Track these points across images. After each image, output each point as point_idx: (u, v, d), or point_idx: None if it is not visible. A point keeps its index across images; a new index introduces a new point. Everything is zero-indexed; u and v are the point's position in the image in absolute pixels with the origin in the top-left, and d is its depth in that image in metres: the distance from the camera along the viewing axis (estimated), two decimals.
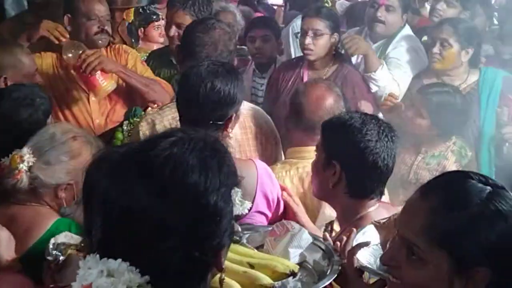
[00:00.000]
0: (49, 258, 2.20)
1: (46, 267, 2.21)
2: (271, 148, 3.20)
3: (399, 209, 1.87)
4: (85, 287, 1.19)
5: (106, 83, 3.52)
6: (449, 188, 1.49)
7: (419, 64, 4.27)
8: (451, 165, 3.75)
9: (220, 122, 2.49)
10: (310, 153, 2.68)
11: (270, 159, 3.07)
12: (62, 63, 3.67)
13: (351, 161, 2.28)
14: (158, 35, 5.18)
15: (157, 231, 1.18)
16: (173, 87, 3.71)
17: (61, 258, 2.21)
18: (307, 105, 2.94)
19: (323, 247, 2.11)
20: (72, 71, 3.66)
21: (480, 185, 1.46)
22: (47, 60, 3.71)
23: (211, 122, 2.45)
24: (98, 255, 1.21)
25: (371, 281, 1.87)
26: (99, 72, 3.49)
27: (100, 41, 3.69)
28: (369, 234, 2.00)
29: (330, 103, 2.94)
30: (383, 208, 2.34)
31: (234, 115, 2.54)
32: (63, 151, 2.47)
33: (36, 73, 3.39)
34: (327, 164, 2.32)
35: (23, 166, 2.41)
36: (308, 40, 3.97)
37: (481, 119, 3.98)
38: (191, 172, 1.20)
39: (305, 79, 4.04)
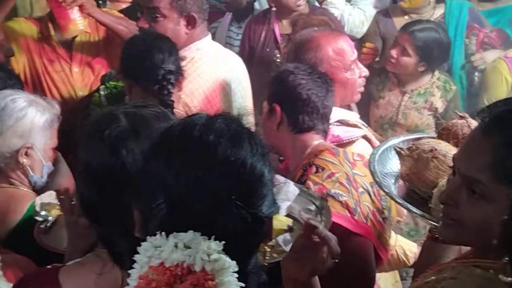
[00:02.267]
0: (38, 218, 2.19)
1: (37, 227, 2.20)
2: None
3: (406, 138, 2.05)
4: (155, 268, 1.18)
5: (81, 20, 3.45)
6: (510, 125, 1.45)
7: None
8: (438, 101, 3.84)
9: None
10: None
11: None
12: (44, 34, 3.58)
13: (288, 99, 2.48)
14: None
15: (219, 198, 1.23)
16: None
17: (50, 218, 2.20)
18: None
19: (310, 198, 2.12)
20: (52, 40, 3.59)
21: None
22: (30, 27, 3.60)
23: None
24: (163, 233, 1.21)
25: None
26: (77, 8, 3.42)
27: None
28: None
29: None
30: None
31: None
32: (6, 115, 2.43)
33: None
34: (270, 110, 2.51)
35: None
36: None
37: (450, 50, 4.05)
38: (238, 144, 1.26)
39: (277, 30, 4.03)
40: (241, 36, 4.33)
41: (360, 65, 2.96)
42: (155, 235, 1.22)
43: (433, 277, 1.49)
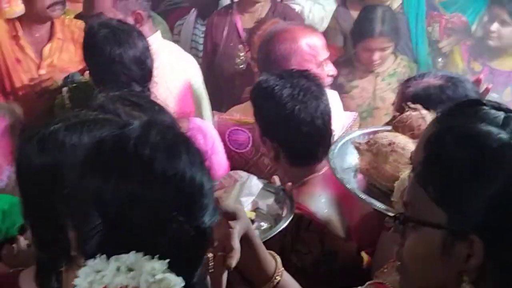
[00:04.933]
0: None
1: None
2: None
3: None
4: None
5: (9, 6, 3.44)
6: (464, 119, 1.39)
7: None
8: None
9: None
10: None
11: None
12: (12, 33, 3.56)
13: (279, 134, 2.25)
14: None
15: (159, 215, 1.18)
16: None
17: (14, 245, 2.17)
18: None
19: (273, 190, 2.12)
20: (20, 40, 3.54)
21: (493, 111, 1.35)
22: (1, 25, 3.58)
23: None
24: (104, 255, 1.16)
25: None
26: None
27: (54, 12, 3.55)
28: None
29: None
30: None
31: None
32: None
33: None
34: (262, 141, 2.33)
35: None
36: None
37: (413, 40, 4.13)
38: (176, 155, 1.21)
39: (239, 24, 4.02)
40: None
41: (329, 64, 2.97)
42: (94, 256, 1.16)
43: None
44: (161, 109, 1.94)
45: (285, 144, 2.25)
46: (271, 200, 2.08)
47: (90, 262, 1.16)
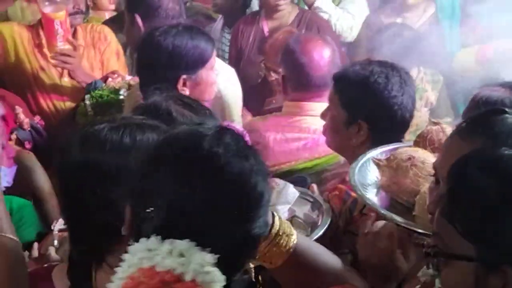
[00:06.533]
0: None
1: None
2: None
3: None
4: (144, 271, 1.18)
5: (63, 45, 3.46)
6: (490, 128, 1.44)
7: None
8: (431, 95, 3.82)
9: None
10: (307, 110, 2.81)
11: None
12: (36, 41, 3.59)
13: (381, 121, 2.26)
14: (108, 2, 5.07)
15: (219, 214, 1.23)
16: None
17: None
18: (310, 64, 2.85)
19: (311, 199, 2.12)
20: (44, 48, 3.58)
21: None
22: (21, 32, 3.61)
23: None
24: (158, 236, 1.20)
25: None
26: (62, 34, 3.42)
27: (75, 21, 3.59)
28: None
29: (329, 57, 2.90)
30: None
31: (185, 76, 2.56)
32: None
33: None
34: (350, 123, 2.29)
35: None
36: None
37: (447, 46, 4.06)
38: (245, 161, 1.26)
39: (266, 30, 4.01)
40: None
41: None
42: (147, 237, 1.21)
43: None
44: (211, 114, 1.98)
45: (379, 130, 2.27)
46: (307, 208, 2.09)
47: (145, 240, 1.21)
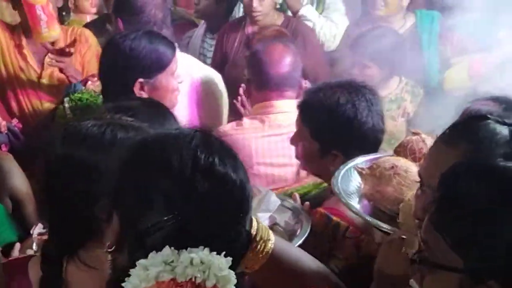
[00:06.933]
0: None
1: None
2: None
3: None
4: (164, 284, 1.19)
5: (46, 30, 3.41)
6: (474, 134, 1.46)
7: (356, 6, 4.36)
8: (409, 106, 3.83)
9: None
10: (274, 107, 2.91)
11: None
12: (16, 41, 3.56)
13: (355, 147, 2.26)
14: (89, 5, 5.04)
15: (222, 217, 1.26)
16: None
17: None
18: (270, 64, 2.95)
19: (291, 207, 2.13)
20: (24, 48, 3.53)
21: (498, 126, 1.42)
22: (1, 33, 3.58)
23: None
24: (172, 248, 1.22)
25: None
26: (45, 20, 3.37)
27: None
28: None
29: (291, 60, 2.98)
30: None
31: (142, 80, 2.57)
32: None
33: None
34: (324, 153, 2.31)
35: None
36: (255, 3, 3.95)
37: (425, 60, 4.08)
38: (234, 161, 1.30)
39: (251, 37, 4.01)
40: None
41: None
42: (154, 249, 1.21)
43: None
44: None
45: (352, 154, 2.25)
46: (288, 216, 2.11)
47: (159, 254, 1.21)
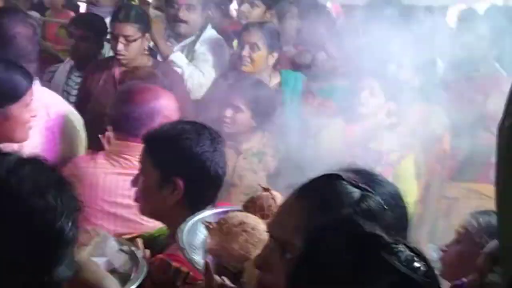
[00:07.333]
0: None
1: None
2: None
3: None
4: None
5: None
6: (322, 189, 1.48)
7: (224, 60, 4.51)
8: (271, 160, 3.89)
9: None
10: (128, 148, 2.89)
11: None
12: None
13: (195, 176, 2.27)
14: None
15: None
16: None
17: None
18: (129, 105, 2.95)
19: (129, 251, 2.06)
20: None
21: (349, 187, 1.44)
22: None
23: None
24: None
25: None
26: None
27: None
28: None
29: (151, 102, 2.97)
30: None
31: None
32: None
33: None
34: (164, 182, 2.28)
35: None
36: (120, 46, 3.95)
37: (286, 116, 4.12)
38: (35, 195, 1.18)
39: (117, 75, 4.00)
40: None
41: None
42: None
43: None
44: None
45: (194, 185, 2.28)
46: (125, 260, 2.02)
47: None
